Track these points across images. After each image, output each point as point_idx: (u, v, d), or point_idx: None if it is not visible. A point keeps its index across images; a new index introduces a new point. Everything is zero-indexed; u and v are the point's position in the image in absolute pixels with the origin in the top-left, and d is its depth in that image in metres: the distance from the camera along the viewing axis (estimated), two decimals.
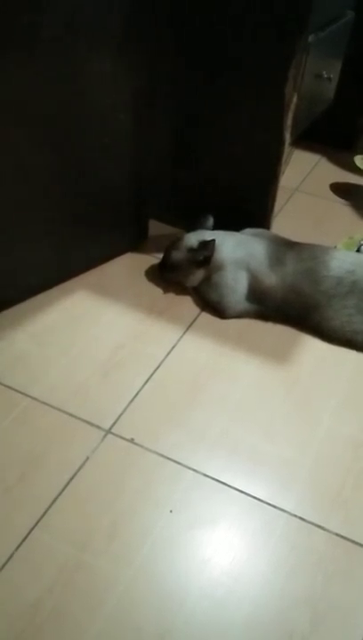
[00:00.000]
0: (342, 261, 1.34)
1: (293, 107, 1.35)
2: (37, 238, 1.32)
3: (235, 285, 1.37)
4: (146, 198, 1.54)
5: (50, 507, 0.98)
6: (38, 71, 1.10)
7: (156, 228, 1.65)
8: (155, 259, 1.52)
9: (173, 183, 1.60)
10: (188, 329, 1.35)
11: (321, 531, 0.99)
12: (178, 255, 1.41)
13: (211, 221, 1.48)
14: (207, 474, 1.06)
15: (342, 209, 1.87)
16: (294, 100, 1.35)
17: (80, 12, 1.10)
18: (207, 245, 1.37)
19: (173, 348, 1.30)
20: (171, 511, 0.99)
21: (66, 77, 1.16)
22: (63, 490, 1.00)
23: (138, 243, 1.58)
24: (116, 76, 1.25)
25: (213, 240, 1.37)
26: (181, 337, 1.33)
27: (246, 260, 1.37)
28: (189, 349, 1.30)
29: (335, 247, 1.57)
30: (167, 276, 1.46)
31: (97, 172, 1.35)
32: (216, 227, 1.47)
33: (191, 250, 1.39)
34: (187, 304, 1.43)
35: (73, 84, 1.18)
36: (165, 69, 1.40)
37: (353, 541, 0.97)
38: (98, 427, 1.12)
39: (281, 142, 1.39)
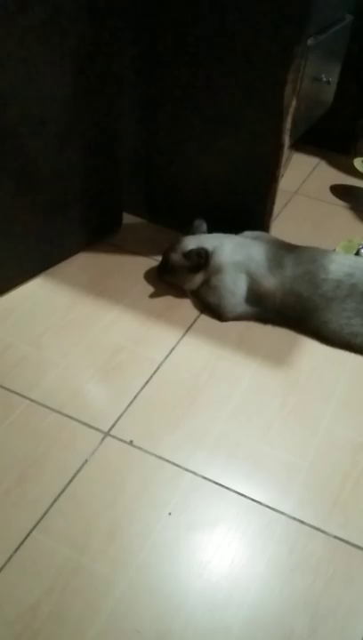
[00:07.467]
0: (340, 264, 1.34)
1: (292, 110, 1.36)
2: (12, 229, 1.33)
3: (234, 288, 1.37)
4: (122, 191, 1.59)
5: (49, 509, 0.98)
6: (19, 66, 1.14)
7: (154, 229, 1.66)
8: (154, 261, 1.53)
9: (171, 185, 1.61)
10: (187, 331, 1.35)
11: (320, 533, 0.99)
12: (176, 258, 1.41)
13: (204, 226, 1.49)
14: (206, 476, 1.06)
15: (341, 212, 1.88)
16: (294, 103, 1.35)
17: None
18: (200, 254, 1.37)
19: (172, 350, 1.30)
20: (170, 513, 0.99)
21: (49, 68, 1.19)
22: (62, 492, 1.00)
23: (111, 231, 1.63)
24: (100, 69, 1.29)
25: (204, 249, 1.37)
26: (180, 339, 1.33)
27: (246, 262, 1.37)
28: (188, 352, 1.30)
29: (334, 250, 1.57)
30: (166, 279, 1.46)
31: (75, 160, 1.38)
32: (216, 229, 1.48)
33: (187, 255, 1.39)
34: (186, 307, 1.43)
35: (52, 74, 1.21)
36: (162, 69, 1.41)
37: (352, 544, 0.97)
38: (97, 429, 1.12)
39: (280, 145, 1.40)
